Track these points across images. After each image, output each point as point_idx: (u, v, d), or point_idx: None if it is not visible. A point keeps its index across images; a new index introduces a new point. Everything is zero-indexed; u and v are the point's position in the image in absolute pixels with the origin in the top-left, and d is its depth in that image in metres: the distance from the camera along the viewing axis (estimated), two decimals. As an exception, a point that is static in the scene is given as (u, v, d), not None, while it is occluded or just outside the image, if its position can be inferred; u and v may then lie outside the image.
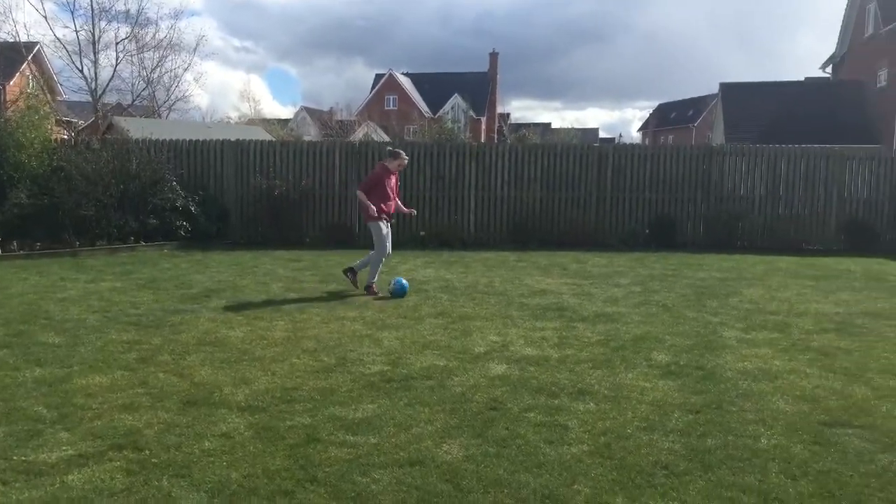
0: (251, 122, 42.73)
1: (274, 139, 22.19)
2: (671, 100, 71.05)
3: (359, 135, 34.05)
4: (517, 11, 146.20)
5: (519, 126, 50.15)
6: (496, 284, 9.31)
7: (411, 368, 5.33)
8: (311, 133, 45.85)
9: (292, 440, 3.91)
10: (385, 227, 8.57)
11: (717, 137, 29.18)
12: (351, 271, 8.79)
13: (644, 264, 11.51)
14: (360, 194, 8.53)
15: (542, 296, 8.48)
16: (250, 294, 8.40)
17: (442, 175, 14.71)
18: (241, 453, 3.74)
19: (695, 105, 63.57)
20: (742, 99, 28.01)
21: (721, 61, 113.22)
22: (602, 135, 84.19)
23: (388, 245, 8.63)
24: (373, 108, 52.85)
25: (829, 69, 31.43)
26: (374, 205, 8.38)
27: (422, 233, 14.13)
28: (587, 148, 15.63)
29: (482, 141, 43.49)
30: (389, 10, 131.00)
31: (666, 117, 70.29)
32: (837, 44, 30.18)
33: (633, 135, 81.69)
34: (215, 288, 8.78)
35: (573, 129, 61.66)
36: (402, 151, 8.99)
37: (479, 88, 56.50)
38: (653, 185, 14.76)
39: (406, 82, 58.54)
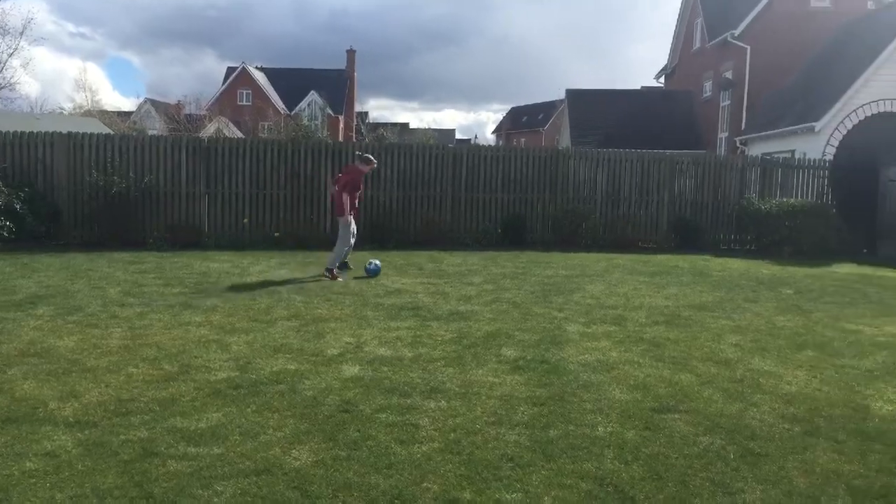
0: (88, 113, 39.68)
1: (113, 132, 20.74)
2: (523, 104, 74.02)
3: (210, 130, 32.58)
4: (372, 10, 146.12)
5: (377, 125, 50.06)
6: (352, 285, 9.24)
7: (261, 374, 5.16)
8: (156, 127, 43.26)
9: (127, 456, 3.67)
10: (353, 223, 9.95)
11: (565, 141, 30.69)
12: (328, 271, 9.62)
13: (497, 263, 11.88)
14: (343, 194, 9.63)
15: (397, 295, 8.52)
16: (83, 300, 7.80)
17: (298, 173, 14.41)
18: (67, 473, 3.46)
19: (545, 109, 66.52)
20: (586, 105, 29.61)
21: (568, 68, 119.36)
22: (458, 136, 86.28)
23: (352, 238, 10.04)
24: (225, 103, 50.61)
25: (662, 79, 33.94)
26: (348, 203, 9.67)
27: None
28: (443, 148, 15.91)
29: (340, 139, 43.04)
30: (242, 0, 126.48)
31: (518, 120, 73.09)
32: (669, 56, 32.66)
33: (488, 136, 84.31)
34: (43, 294, 8.07)
35: (430, 129, 62.41)
36: (372, 157, 10.38)
37: (337, 86, 55.86)
38: (505, 185, 15.29)
39: (261, 77, 56.72)
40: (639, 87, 35.33)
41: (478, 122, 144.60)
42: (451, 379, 5.14)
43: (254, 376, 5.09)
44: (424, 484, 3.44)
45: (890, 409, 4.72)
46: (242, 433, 4.01)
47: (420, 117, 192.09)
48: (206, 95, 52.01)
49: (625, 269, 11.58)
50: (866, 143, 16.43)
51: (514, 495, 3.34)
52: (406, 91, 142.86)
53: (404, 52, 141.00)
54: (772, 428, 4.30)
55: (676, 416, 4.48)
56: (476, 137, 75.35)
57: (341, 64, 60.00)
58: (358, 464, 3.65)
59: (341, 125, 54.17)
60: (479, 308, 7.84)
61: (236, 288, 8.75)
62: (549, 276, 10.44)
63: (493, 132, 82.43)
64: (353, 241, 10.11)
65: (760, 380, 5.32)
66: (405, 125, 70.13)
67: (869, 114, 17.69)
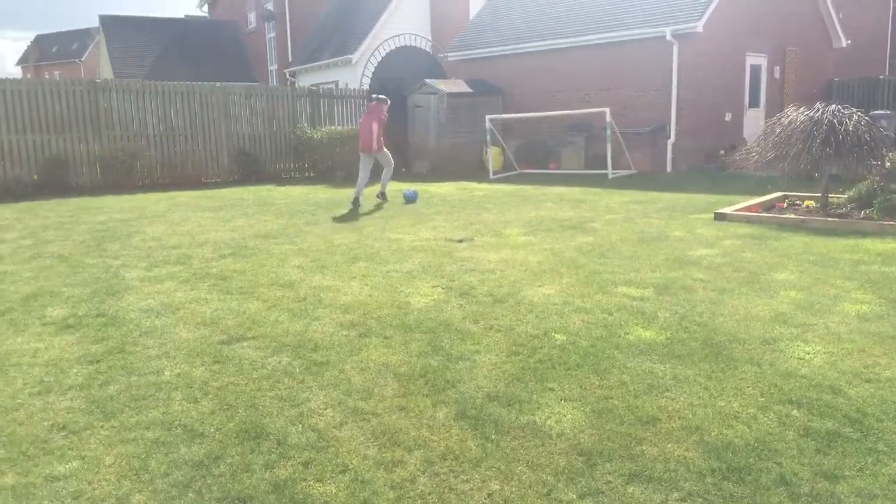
0: None
1: None
2: (50, 31, 64.55)
3: None
4: None
5: None
6: None
7: None
8: None
9: None
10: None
11: (106, 73, 27.75)
12: (381, 194, 11.55)
13: (36, 214, 10.35)
14: (377, 129, 11.24)
15: None
16: None
17: None
18: None
19: (79, 38, 59.14)
20: (127, 34, 27.10)
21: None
22: (-33, 69, 71.28)
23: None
24: None
25: (205, 9, 32.79)
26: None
27: None
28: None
29: None
30: None
31: (48, 51, 63.64)
32: (211, -16, 31.60)
33: (11, 70, 71.81)
34: None
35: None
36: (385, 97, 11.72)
37: None
38: (35, 125, 13.24)
39: None
40: (182, 16, 33.59)
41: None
42: (-20, 355, 4.34)
43: None
44: (-50, 483, 2.87)
45: (425, 301, 5.50)
46: None
47: None
48: None
49: (188, 206, 11.16)
50: (395, 73, 18.43)
51: (68, 465, 3.00)
52: None
53: None
54: (332, 337, 4.64)
55: (245, 343, 4.53)
56: (-7, 70, 63.19)
57: None
58: None
59: None
60: (15, 268, 6.75)
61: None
62: (102, 223, 9.50)
63: (17, 64, 70.28)
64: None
65: (321, 295, 5.68)
66: None
67: (394, 47, 19.80)
